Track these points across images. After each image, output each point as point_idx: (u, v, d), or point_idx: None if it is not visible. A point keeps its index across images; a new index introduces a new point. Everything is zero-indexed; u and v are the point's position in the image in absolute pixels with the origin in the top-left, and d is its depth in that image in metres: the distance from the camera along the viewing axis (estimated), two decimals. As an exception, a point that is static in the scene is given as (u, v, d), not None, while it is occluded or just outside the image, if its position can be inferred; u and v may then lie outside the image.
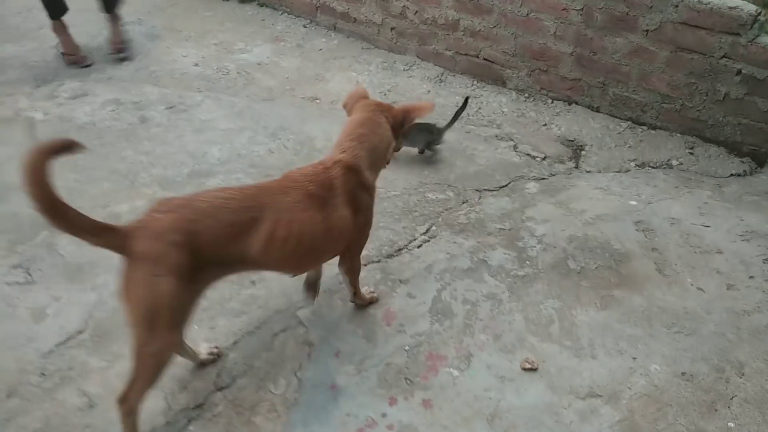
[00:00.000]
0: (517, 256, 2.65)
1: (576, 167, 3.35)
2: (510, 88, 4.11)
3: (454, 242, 2.75)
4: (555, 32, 3.76)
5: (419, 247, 2.73)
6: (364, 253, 2.63)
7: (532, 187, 3.16)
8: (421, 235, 2.81)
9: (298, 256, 1.91)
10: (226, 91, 4.02)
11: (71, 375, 2.19)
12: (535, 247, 2.70)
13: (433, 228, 2.85)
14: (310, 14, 4.92)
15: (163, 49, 4.48)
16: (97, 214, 2.80)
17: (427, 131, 3.29)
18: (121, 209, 2.95)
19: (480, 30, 4.05)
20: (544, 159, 3.40)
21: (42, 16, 4.80)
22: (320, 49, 4.61)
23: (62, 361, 2.24)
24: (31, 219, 2.86)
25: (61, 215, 1.64)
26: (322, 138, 3.54)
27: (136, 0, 5.16)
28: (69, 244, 2.73)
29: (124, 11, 4.96)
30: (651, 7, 3.35)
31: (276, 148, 3.46)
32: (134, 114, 3.71)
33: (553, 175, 3.27)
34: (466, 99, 3.43)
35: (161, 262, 1.67)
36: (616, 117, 3.75)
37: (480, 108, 3.93)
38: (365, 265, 2.64)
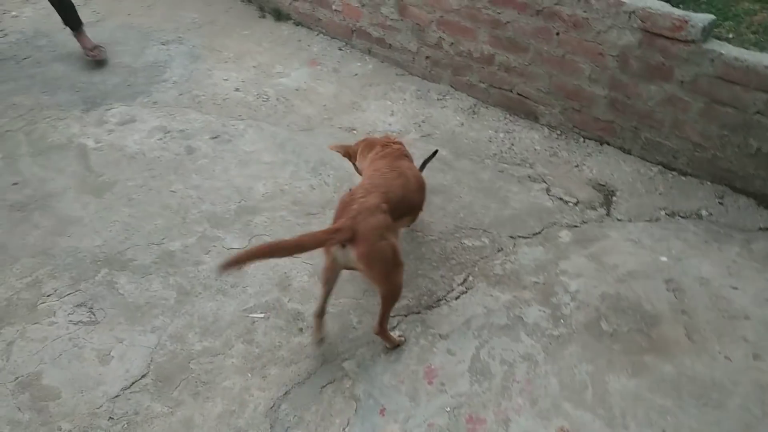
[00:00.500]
0: (551, 314, 2.77)
1: (607, 214, 3.44)
2: (542, 124, 4.19)
3: (491, 295, 2.87)
4: (590, 75, 3.82)
5: (457, 298, 2.86)
6: (403, 302, 2.78)
7: (564, 235, 3.26)
8: (459, 285, 2.93)
9: (416, 202, 2.74)
10: (267, 120, 4.13)
11: (137, 420, 2.36)
12: (569, 304, 2.81)
13: (470, 278, 2.97)
14: (346, 36, 5.00)
15: (205, 72, 4.60)
16: (152, 251, 3.00)
17: None
18: (174, 246, 3.10)
19: (515, 66, 4.13)
20: (576, 204, 3.50)
21: (86, 32, 4.94)
22: (356, 74, 4.70)
23: (128, 405, 2.40)
24: (92, 255, 3.02)
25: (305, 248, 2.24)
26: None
27: (174, 17, 5.27)
28: (128, 284, 2.89)
29: (163, 28, 5.09)
30: (687, 59, 3.40)
31: (317, 185, 3.58)
32: (181, 144, 3.85)
33: (585, 222, 3.37)
34: (435, 151, 3.47)
35: (386, 227, 2.31)
36: (647, 161, 3.82)
37: (513, 144, 4.02)
38: (406, 315, 2.77)
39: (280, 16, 5.30)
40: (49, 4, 4.49)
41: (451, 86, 4.56)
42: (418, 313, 2.78)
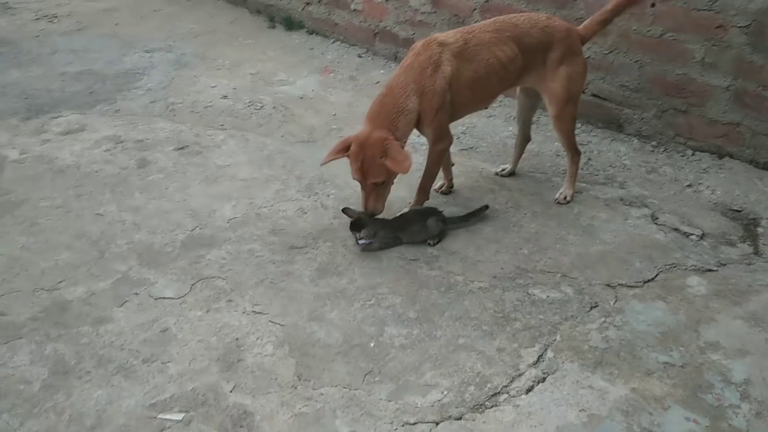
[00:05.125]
0: (711, 427, 1.42)
1: (755, 253, 2.12)
2: (629, 134, 2.93)
3: (590, 386, 1.55)
4: (703, 59, 2.59)
5: (529, 392, 1.55)
6: (433, 396, 1.48)
7: (696, 284, 1.94)
8: (530, 366, 1.63)
9: None
10: (257, 130, 3.00)
11: None
12: (739, 408, 1.47)
13: (549, 354, 1.66)
14: (367, 42, 3.92)
15: (189, 79, 3.55)
16: (37, 302, 1.78)
17: (437, 218, 2.19)
18: (73, 294, 1.91)
19: (589, 57, 2.91)
20: (701, 238, 2.19)
21: (60, 40, 4.02)
22: (377, 82, 3.58)
23: None
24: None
25: None
26: (374, 195, 2.43)
27: (169, 27, 4.32)
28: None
29: (152, 37, 4.12)
30: None
31: (310, 207, 2.38)
32: (133, 155, 2.73)
33: (724, 264, 2.05)
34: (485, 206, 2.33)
35: None
36: (796, 178, 2.50)
37: (590, 159, 2.77)
38: (437, 424, 1.47)
39: (291, 24, 4.28)
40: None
41: (500, 92, 3.37)
42: (459, 419, 1.48)
